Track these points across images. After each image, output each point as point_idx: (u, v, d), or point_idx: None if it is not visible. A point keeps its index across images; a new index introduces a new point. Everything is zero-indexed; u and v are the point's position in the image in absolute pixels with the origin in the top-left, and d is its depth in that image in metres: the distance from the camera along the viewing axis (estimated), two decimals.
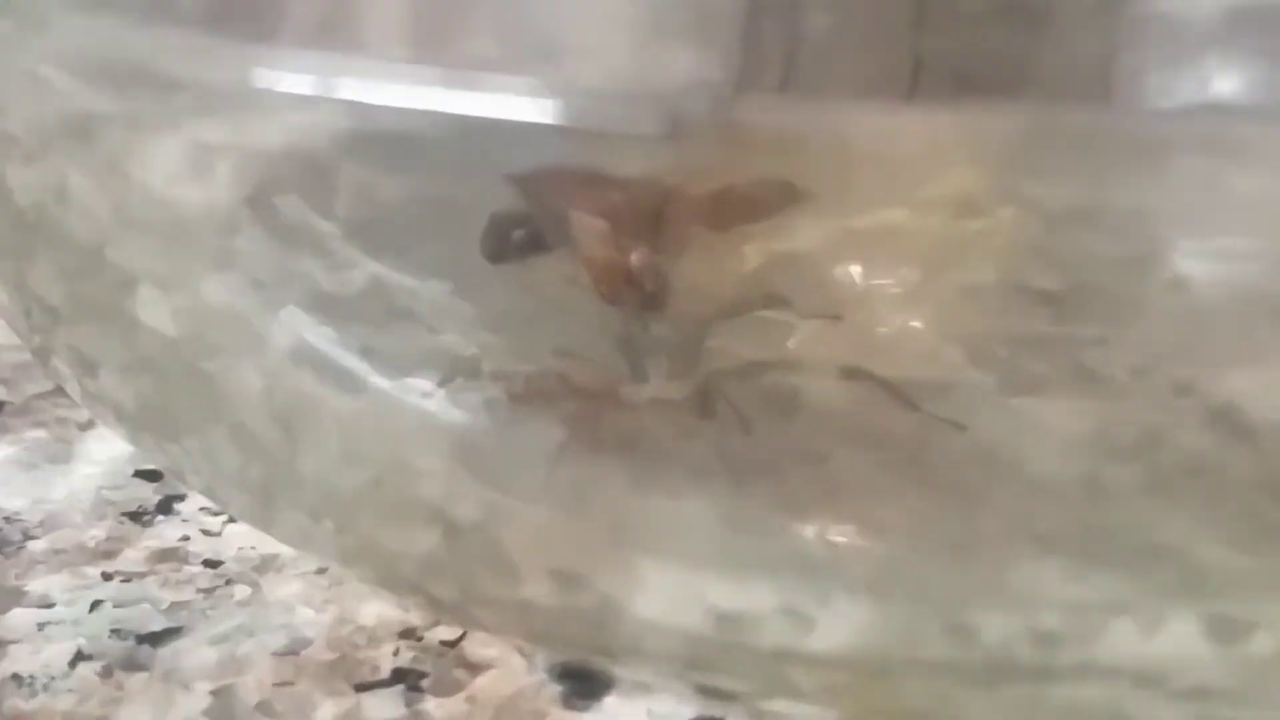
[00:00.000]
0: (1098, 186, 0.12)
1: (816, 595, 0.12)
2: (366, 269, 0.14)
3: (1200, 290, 0.13)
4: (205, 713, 0.13)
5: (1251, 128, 0.12)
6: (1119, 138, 0.11)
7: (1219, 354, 0.13)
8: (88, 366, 0.14)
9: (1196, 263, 0.13)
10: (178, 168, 0.13)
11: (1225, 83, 0.11)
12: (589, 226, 0.13)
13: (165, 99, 0.13)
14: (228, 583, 0.14)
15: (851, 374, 0.13)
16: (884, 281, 0.14)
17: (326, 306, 0.13)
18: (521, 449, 0.13)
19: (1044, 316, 0.14)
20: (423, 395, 0.13)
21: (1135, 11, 0.11)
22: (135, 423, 0.14)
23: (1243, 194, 0.12)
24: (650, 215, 0.13)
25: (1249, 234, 0.13)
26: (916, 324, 0.14)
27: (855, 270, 0.14)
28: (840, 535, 0.12)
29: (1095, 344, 0.13)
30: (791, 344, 0.14)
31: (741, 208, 0.13)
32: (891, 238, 0.14)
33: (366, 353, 0.13)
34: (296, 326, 0.13)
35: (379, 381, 0.13)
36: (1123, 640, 0.11)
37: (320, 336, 0.13)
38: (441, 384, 0.13)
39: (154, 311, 0.13)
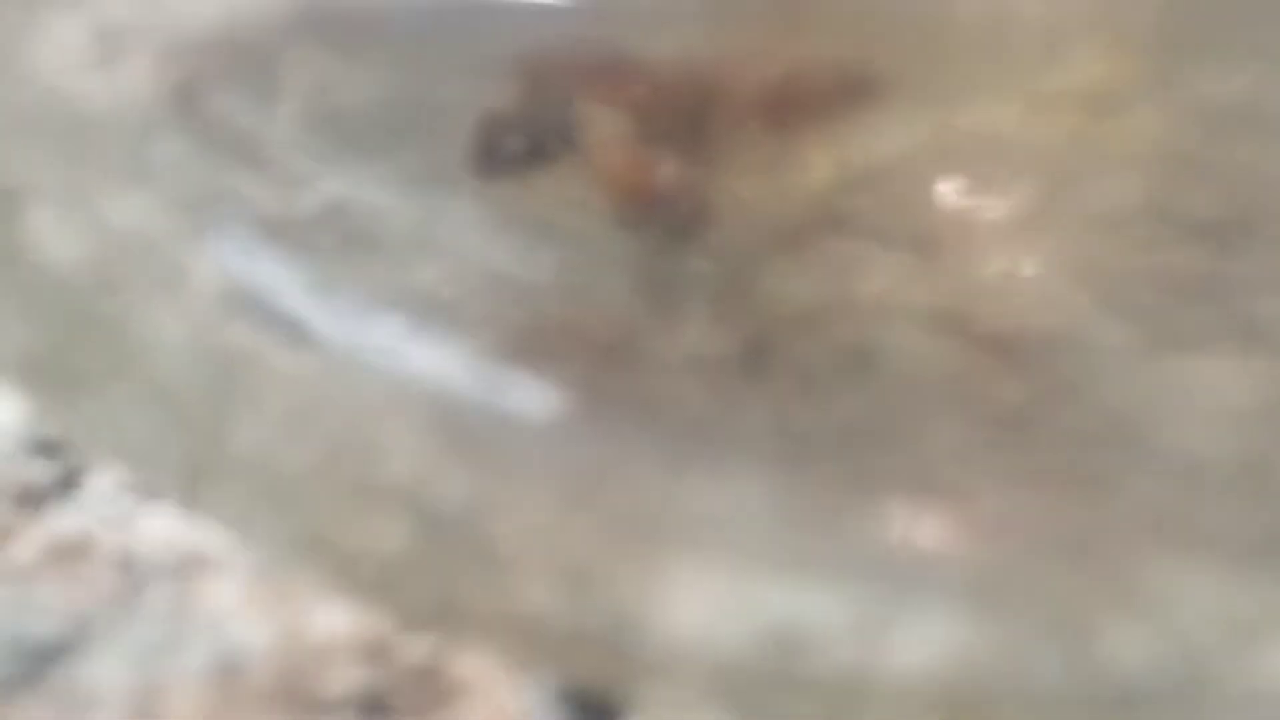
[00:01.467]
0: (1276, 70, 0.13)
1: (898, 606, 0.12)
2: (320, 186, 0.14)
3: None
4: None
5: None
6: None
7: None
8: None
9: None
10: (78, 55, 0.14)
11: None
12: (606, 128, 0.14)
13: None
14: (145, 584, 0.15)
15: (946, 324, 0.14)
16: (991, 202, 0.14)
17: (268, 233, 0.14)
18: (516, 418, 0.13)
19: (1202, 251, 0.14)
20: (390, 348, 0.13)
21: None
22: (24, 379, 0.14)
23: None
24: (686, 113, 0.13)
25: None
26: (1032, 260, 0.14)
27: (953, 186, 0.14)
28: (929, 530, 0.12)
29: (1268, 287, 0.14)
30: (869, 285, 0.14)
31: (806, 102, 0.13)
32: (1001, 143, 0.14)
33: (318, 292, 0.13)
34: (229, 259, 0.13)
35: (334, 330, 0.13)
36: None
37: (259, 272, 0.13)
38: (414, 331, 0.13)
39: (48, 240, 0.13)
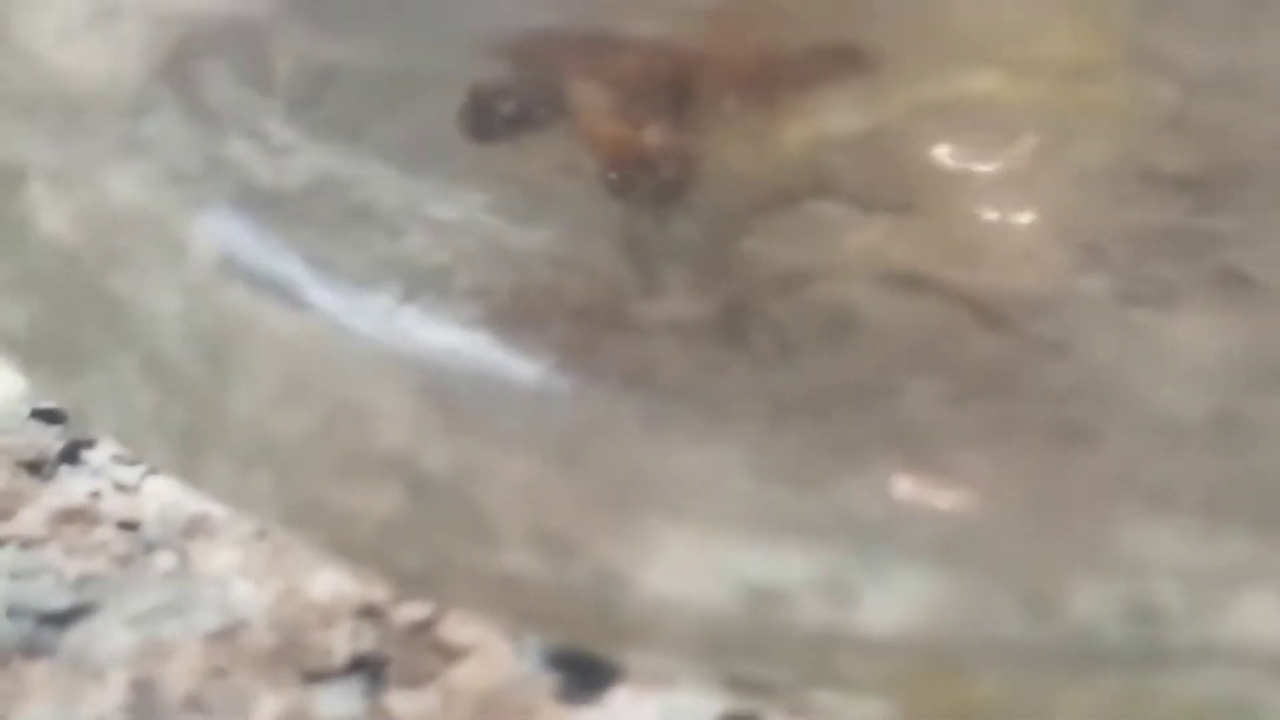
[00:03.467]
0: (1252, 40, 0.12)
1: (870, 563, 0.12)
2: (311, 156, 0.14)
3: None
4: (122, 708, 0.13)
5: None
6: None
7: None
8: None
9: None
10: (72, 29, 0.14)
11: None
12: (593, 97, 0.14)
13: None
14: (148, 550, 0.15)
15: (924, 284, 0.14)
16: (970, 165, 0.14)
17: (261, 204, 0.14)
18: (504, 383, 0.13)
19: (1178, 207, 0.14)
20: (382, 315, 0.13)
21: None
22: (28, 352, 0.14)
23: None
24: (670, 83, 0.13)
25: None
26: (1011, 219, 0.14)
27: (931, 151, 0.14)
28: (902, 489, 0.12)
29: (1243, 242, 0.14)
30: (848, 246, 0.14)
31: (787, 73, 0.14)
32: (981, 108, 0.14)
33: (312, 262, 0.13)
34: (224, 230, 0.14)
35: (327, 298, 0.13)
36: (1256, 616, 0.12)
37: (254, 242, 0.14)
38: (405, 300, 0.13)
39: (46, 214, 0.13)
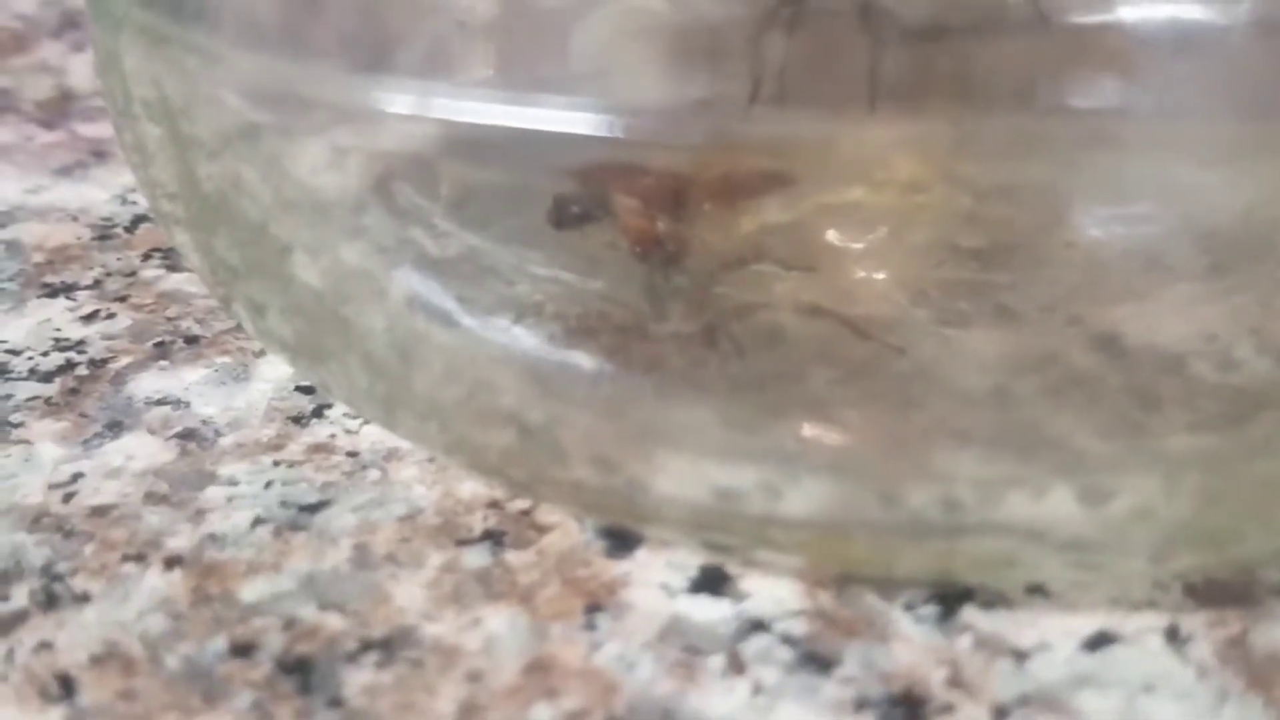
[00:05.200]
0: (1016, 170, 0.12)
1: (789, 476, 0.12)
2: (460, 238, 0.14)
3: (1090, 247, 0.13)
4: (348, 560, 0.14)
5: (1133, 127, 0.11)
6: (1033, 134, 0.11)
7: (1103, 295, 0.14)
8: (258, 311, 0.14)
9: (1089, 227, 0.13)
10: (320, 163, 0.14)
11: (1117, 92, 0.11)
12: (627, 202, 0.14)
13: (309, 114, 0.13)
14: (363, 468, 0.15)
15: (821, 312, 0.14)
16: (848, 242, 0.14)
17: (430, 266, 0.14)
18: (573, 370, 0.13)
19: (970, 267, 0.14)
20: (501, 330, 0.13)
21: (1052, 30, 0.11)
22: (293, 352, 0.14)
23: (1126, 176, 0.12)
24: (672, 195, 0.13)
25: (1130, 206, 0.13)
26: (872, 274, 0.14)
27: (826, 234, 0.14)
28: (808, 433, 0.12)
29: (1009, 288, 0.14)
30: (777, 290, 0.14)
31: (740, 189, 0.14)
32: (854, 209, 0.14)
33: (460, 300, 0.14)
34: (409, 281, 0.14)
35: (469, 321, 0.13)
36: (1016, 506, 0.12)
37: (426, 288, 0.14)
38: (515, 322, 0.13)
39: (305, 271, 0.14)
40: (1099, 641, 0.12)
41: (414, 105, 0.11)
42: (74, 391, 0.16)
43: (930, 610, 0.13)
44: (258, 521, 0.14)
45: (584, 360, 0.13)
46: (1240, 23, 0.10)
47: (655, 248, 0.14)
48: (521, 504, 0.14)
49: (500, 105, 0.11)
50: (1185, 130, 0.11)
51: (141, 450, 0.15)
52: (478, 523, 0.14)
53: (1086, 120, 0.11)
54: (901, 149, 0.13)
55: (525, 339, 0.13)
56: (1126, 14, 0.11)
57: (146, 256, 0.19)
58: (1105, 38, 0.11)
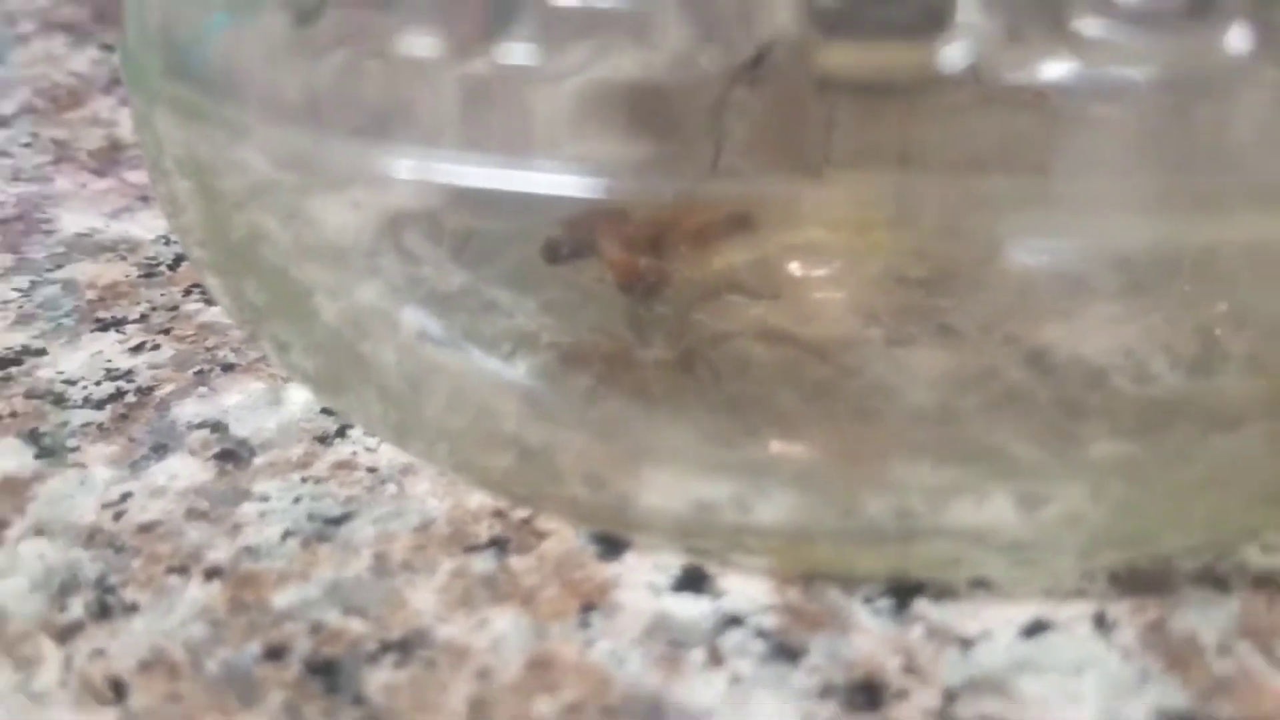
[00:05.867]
0: (957, 216, 0.12)
1: (759, 489, 0.12)
2: (463, 276, 0.14)
3: (1022, 273, 0.13)
4: (368, 568, 0.13)
5: (1056, 182, 0.11)
6: (966, 193, 0.11)
7: (1035, 316, 0.13)
8: (283, 347, 0.14)
9: (1020, 256, 0.13)
10: (337, 215, 0.13)
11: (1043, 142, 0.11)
12: (612, 243, 0.13)
13: (327, 174, 0.13)
14: (382, 482, 0.14)
15: (785, 338, 0.13)
16: (807, 274, 0.14)
17: (437, 302, 0.13)
18: (567, 395, 0.13)
19: (916, 294, 0.14)
20: (502, 360, 0.13)
21: (984, 88, 0.11)
22: (316, 383, 0.14)
23: (1051, 219, 0.11)
24: (651, 238, 0.13)
25: (1057, 239, 0.12)
26: (831, 301, 0.14)
27: (788, 268, 0.14)
28: (776, 449, 0.12)
29: (950, 310, 0.13)
30: (747, 318, 0.14)
31: (711, 232, 0.13)
32: (812, 246, 0.14)
33: (465, 333, 0.13)
34: (418, 316, 0.13)
35: (473, 351, 0.13)
36: (961, 512, 0.11)
37: (433, 322, 0.13)
38: (513, 351, 0.13)
39: (325, 310, 0.13)
40: (1035, 629, 0.12)
41: (417, 170, 0.11)
42: (123, 417, 0.16)
43: (886, 603, 0.12)
44: (287, 534, 0.14)
45: (576, 385, 0.13)
46: (1150, 82, 0.10)
47: (638, 282, 0.13)
48: (522, 513, 0.14)
49: (495, 169, 0.11)
50: (1101, 183, 0.10)
51: (184, 470, 0.15)
52: (484, 531, 0.14)
53: (1015, 179, 0.11)
54: (851, 200, 0.12)
55: (522, 367, 0.13)
56: (1049, 73, 0.10)
57: (187, 292, 0.19)
58: (1029, 96, 0.10)
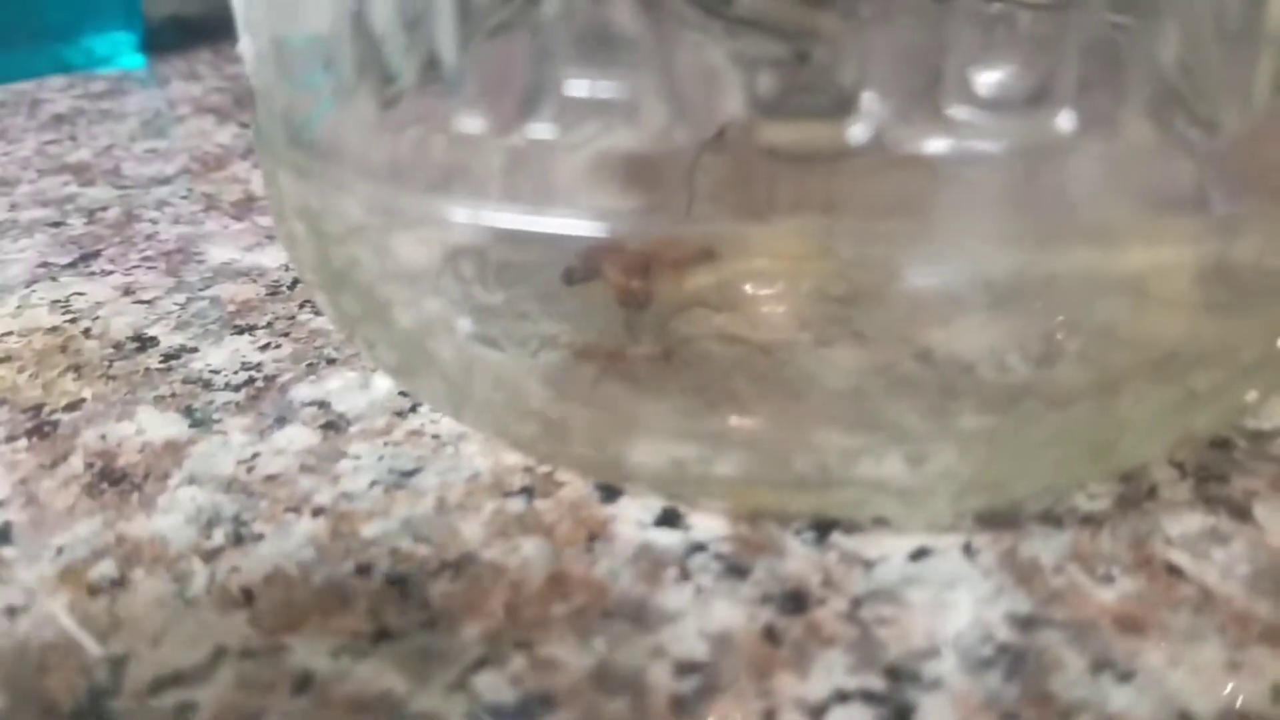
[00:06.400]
0: (864, 251, 0.12)
1: (719, 450, 0.12)
2: (503, 295, 0.13)
3: (915, 291, 0.13)
4: (432, 508, 0.13)
5: (939, 226, 0.11)
6: (872, 233, 0.11)
7: (923, 323, 0.13)
8: (370, 345, 0.14)
9: (914, 279, 0.13)
10: (411, 249, 0.13)
11: (928, 195, 0.11)
12: (613, 269, 0.13)
13: (404, 219, 0.13)
14: (443, 445, 0.14)
15: (739, 340, 0.13)
16: (757, 292, 0.14)
17: (484, 313, 0.13)
18: (578, 381, 0.13)
19: (837, 306, 0.13)
20: (530, 355, 0.13)
21: (887, 156, 0.11)
22: (395, 372, 0.14)
23: (937, 252, 0.11)
24: (642, 266, 0.13)
25: (940, 266, 0.12)
26: (774, 313, 0.14)
27: (743, 288, 0.14)
28: (733, 422, 0.12)
29: (861, 320, 0.13)
30: (711, 325, 0.13)
31: (686, 260, 0.13)
32: (760, 272, 0.14)
33: (504, 334, 0.13)
34: (469, 323, 0.13)
35: (510, 349, 0.13)
36: (866, 468, 0.11)
37: (481, 328, 0.13)
38: (539, 349, 0.13)
39: (401, 318, 0.13)
40: (919, 554, 0.12)
41: (470, 216, 0.11)
42: (254, 398, 0.16)
43: (810, 535, 0.12)
44: (373, 483, 0.14)
45: (584, 374, 0.13)
46: (1004, 152, 0.10)
47: (632, 299, 0.13)
48: (545, 468, 0.14)
49: (527, 215, 0.11)
50: (972, 225, 0.11)
51: (298, 436, 0.15)
52: (517, 481, 0.14)
53: (908, 222, 0.11)
54: (789, 238, 0.12)
55: (545, 360, 0.13)
56: (931, 146, 0.10)
57: (302, 305, 0.19)
58: (919, 161, 0.10)
